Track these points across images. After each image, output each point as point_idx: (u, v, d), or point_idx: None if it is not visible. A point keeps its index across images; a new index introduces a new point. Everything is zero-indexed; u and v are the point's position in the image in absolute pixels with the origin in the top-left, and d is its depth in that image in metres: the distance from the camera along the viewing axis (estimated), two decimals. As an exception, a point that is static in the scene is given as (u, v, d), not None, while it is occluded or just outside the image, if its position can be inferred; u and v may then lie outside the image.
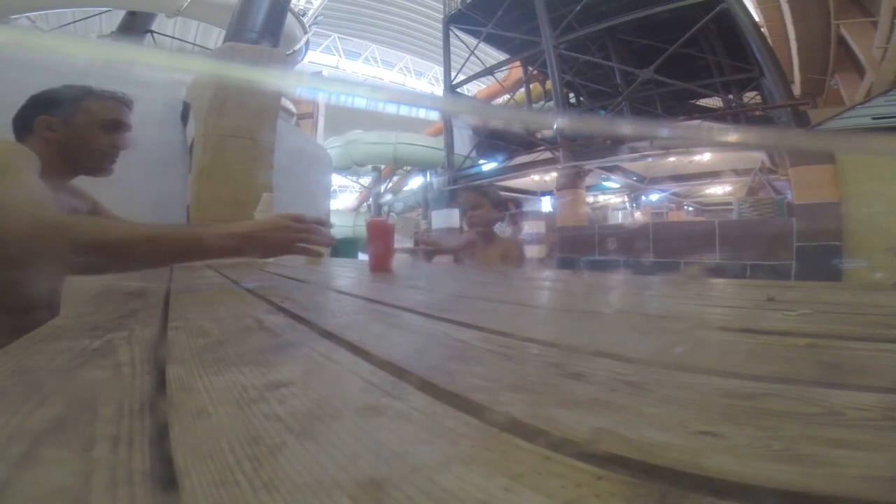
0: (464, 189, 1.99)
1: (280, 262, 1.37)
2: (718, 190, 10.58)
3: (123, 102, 0.97)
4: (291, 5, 4.72)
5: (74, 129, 0.89)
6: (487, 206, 1.68)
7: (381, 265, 1.03)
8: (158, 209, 2.11)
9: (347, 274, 1.09)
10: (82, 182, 0.98)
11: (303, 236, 0.73)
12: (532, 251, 7.75)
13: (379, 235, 1.04)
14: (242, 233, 0.69)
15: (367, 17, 15.30)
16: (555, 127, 7.31)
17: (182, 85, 2.21)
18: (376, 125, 12.46)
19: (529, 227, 8.68)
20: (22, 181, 0.67)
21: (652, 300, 0.64)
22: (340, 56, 15.47)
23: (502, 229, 1.71)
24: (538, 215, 9.63)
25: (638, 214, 10.62)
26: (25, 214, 0.59)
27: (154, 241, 0.64)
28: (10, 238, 0.56)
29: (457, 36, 10.01)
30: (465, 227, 1.80)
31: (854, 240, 4.96)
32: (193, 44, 8.25)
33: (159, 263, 0.72)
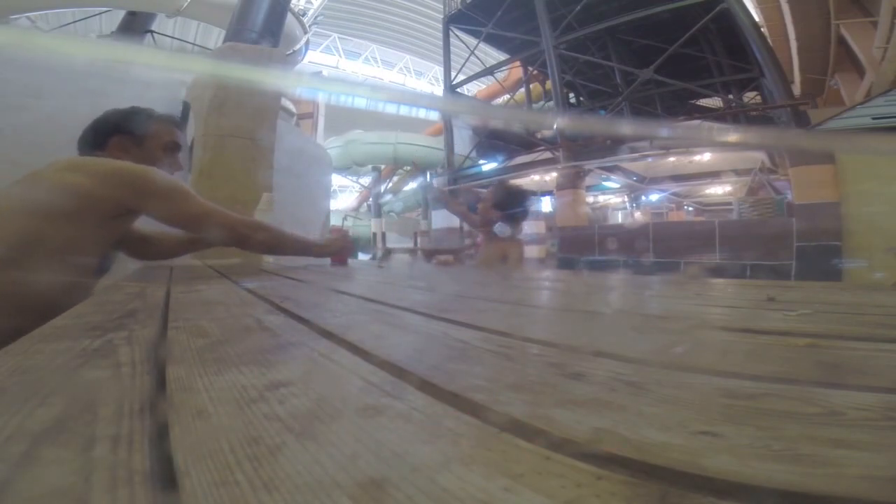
0: (494, 186, 1.99)
1: (280, 263, 1.38)
2: (718, 190, 10.56)
3: (179, 126, 1.09)
4: (291, 5, 4.72)
5: (143, 150, 0.98)
6: (489, 204, 1.67)
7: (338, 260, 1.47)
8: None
9: (347, 274, 1.09)
10: None
11: (350, 249, 1.29)
12: (532, 251, 7.74)
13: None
14: (331, 241, 1.25)
15: (367, 17, 15.27)
16: (555, 127, 7.31)
17: (182, 85, 2.21)
18: (376, 125, 12.44)
19: (529, 227, 8.68)
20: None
21: (652, 300, 0.64)
22: (340, 56, 15.45)
23: (503, 229, 1.69)
24: (538, 215, 9.63)
25: (638, 214, 10.61)
26: (236, 218, 0.92)
27: (299, 245, 1.09)
28: (240, 230, 0.91)
29: (457, 36, 9.99)
30: (475, 224, 1.78)
31: (854, 240, 4.96)
32: (193, 44, 8.24)
33: (292, 254, 1.14)
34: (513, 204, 1.68)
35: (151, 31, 5.44)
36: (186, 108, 2.16)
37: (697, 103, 9.38)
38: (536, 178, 9.36)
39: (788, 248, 5.32)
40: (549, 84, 8.95)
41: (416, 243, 9.83)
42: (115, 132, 0.95)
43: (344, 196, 16.51)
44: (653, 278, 1.05)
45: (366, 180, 14.42)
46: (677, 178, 9.66)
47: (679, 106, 9.14)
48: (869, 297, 0.61)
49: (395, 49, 16.66)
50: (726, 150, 7.36)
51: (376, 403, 0.20)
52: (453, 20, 9.92)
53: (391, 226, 12.71)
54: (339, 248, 1.24)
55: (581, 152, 7.77)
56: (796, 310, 0.45)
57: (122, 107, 1.00)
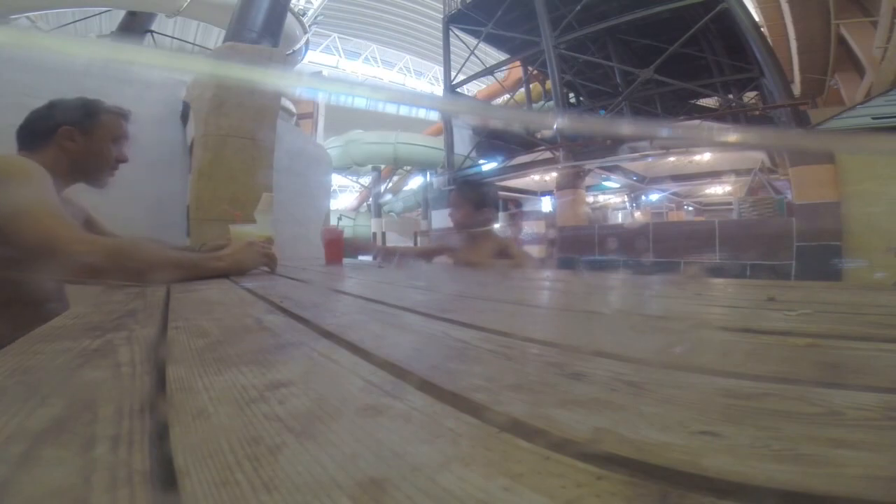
0: (457, 186, 1.91)
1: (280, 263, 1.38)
2: (718, 190, 10.57)
3: (126, 118, 1.04)
4: (291, 5, 4.72)
5: (92, 141, 0.95)
6: (468, 206, 1.59)
7: (333, 259, 1.41)
8: (159, 209, 2.11)
9: (347, 274, 1.09)
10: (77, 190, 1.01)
11: (265, 253, 0.99)
12: (532, 251, 7.74)
13: (333, 238, 1.44)
14: (227, 254, 0.92)
15: (367, 17, 15.27)
16: (555, 127, 7.31)
17: (182, 85, 2.21)
18: (376, 125, 12.45)
19: (529, 227, 8.69)
20: (53, 201, 0.78)
21: (652, 300, 0.64)
22: (340, 56, 15.46)
23: (487, 230, 1.62)
24: (538, 215, 9.63)
25: (638, 214, 10.61)
26: (74, 237, 0.72)
27: (174, 266, 0.81)
28: (61, 249, 0.69)
29: (457, 36, 9.99)
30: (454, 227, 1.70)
31: (854, 240, 4.95)
32: (193, 44, 8.24)
33: (175, 281, 0.85)
34: (481, 198, 1.61)
35: (151, 31, 5.44)
36: (186, 108, 2.16)
37: (697, 103, 9.38)
38: (536, 178, 9.36)
39: (788, 248, 5.32)
40: (549, 84, 8.94)
41: (415, 243, 9.84)
42: (61, 122, 0.92)
43: (344, 196, 16.52)
44: (652, 278, 1.05)
45: (366, 180, 14.42)
46: (677, 178, 9.67)
47: (679, 106, 9.14)
48: (869, 297, 0.61)
49: (395, 49, 16.66)
50: (726, 150, 7.36)
51: (376, 403, 0.20)
52: (453, 20, 9.91)
53: (391, 226, 12.72)
54: (245, 260, 0.95)
55: (581, 152, 7.77)
56: (796, 310, 0.45)
57: (68, 97, 0.97)
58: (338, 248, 1.43)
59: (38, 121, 0.93)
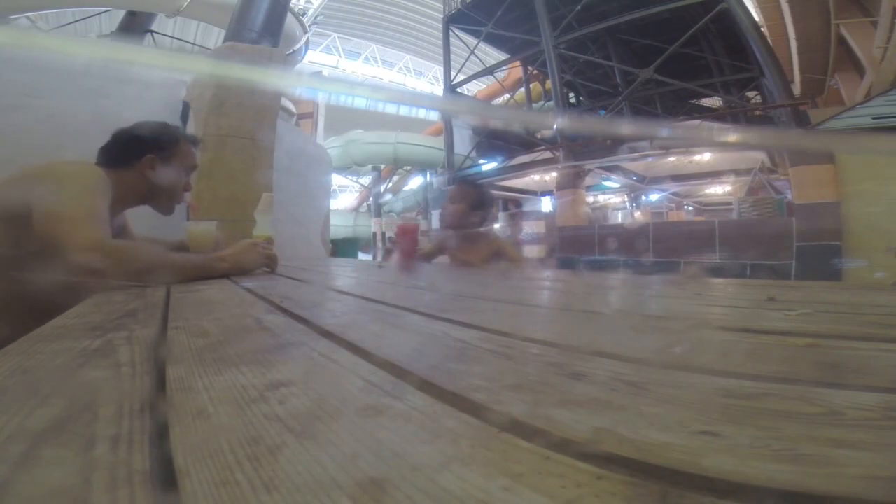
0: (457, 183, 1.88)
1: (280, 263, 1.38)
2: (718, 190, 10.57)
3: (197, 146, 1.07)
4: (291, 5, 4.71)
5: (170, 170, 0.97)
6: (465, 204, 1.56)
7: (407, 256, 1.17)
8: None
9: (347, 273, 1.09)
10: None
11: (265, 253, 1.00)
12: (532, 251, 7.74)
13: (407, 235, 1.18)
14: (229, 255, 0.93)
15: (367, 17, 15.27)
16: (555, 127, 7.30)
17: (182, 85, 2.21)
18: (376, 125, 12.45)
19: (529, 227, 8.69)
20: (95, 204, 0.80)
21: (652, 300, 0.64)
22: (340, 56, 15.45)
23: (484, 230, 1.61)
24: (538, 215, 9.63)
25: (638, 214, 10.61)
26: (92, 234, 0.74)
27: (177, 268, 0.83)
28: (69, 248, 0.71)
29: (457, 36, 9.99)
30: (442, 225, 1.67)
31: (854, 240, 4.95)
32: (193, 44, 8.24)
33: (178, 282, 0.86)
34: (480, 200, 1.59)
35: (151, 31, 5.44)
36: (186, 108, 2.16)
37: (697, 103, 9.38)
38: (536, 178, 9.36)
39: (788, 248, 5.32)
40: (549, 84, 8.94)
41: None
42: (147, 150, 0.94)
43: (344, 196, 16.53)
44: (652, 278, 1.05)
45: (366, 180, 14.42)
46: (677, 177, 9.66)
47: (679, 106, 9.14)
48: (869, 297, 0.61)
49: (395, 49, 16.66)
50: (726, 150, 7.35)
51: (376, 403, 0.20)
52: (453, 20, 9.91)
53: (391, 226, 12.71)
54: (247, 261, 0.95)
55: (581, 152, 7.77)
56: (796, 310, 0.45)
57: (151, 120, 0.99)
58: (412, 244, 1.19)
59: (124, 144, 0.95)
